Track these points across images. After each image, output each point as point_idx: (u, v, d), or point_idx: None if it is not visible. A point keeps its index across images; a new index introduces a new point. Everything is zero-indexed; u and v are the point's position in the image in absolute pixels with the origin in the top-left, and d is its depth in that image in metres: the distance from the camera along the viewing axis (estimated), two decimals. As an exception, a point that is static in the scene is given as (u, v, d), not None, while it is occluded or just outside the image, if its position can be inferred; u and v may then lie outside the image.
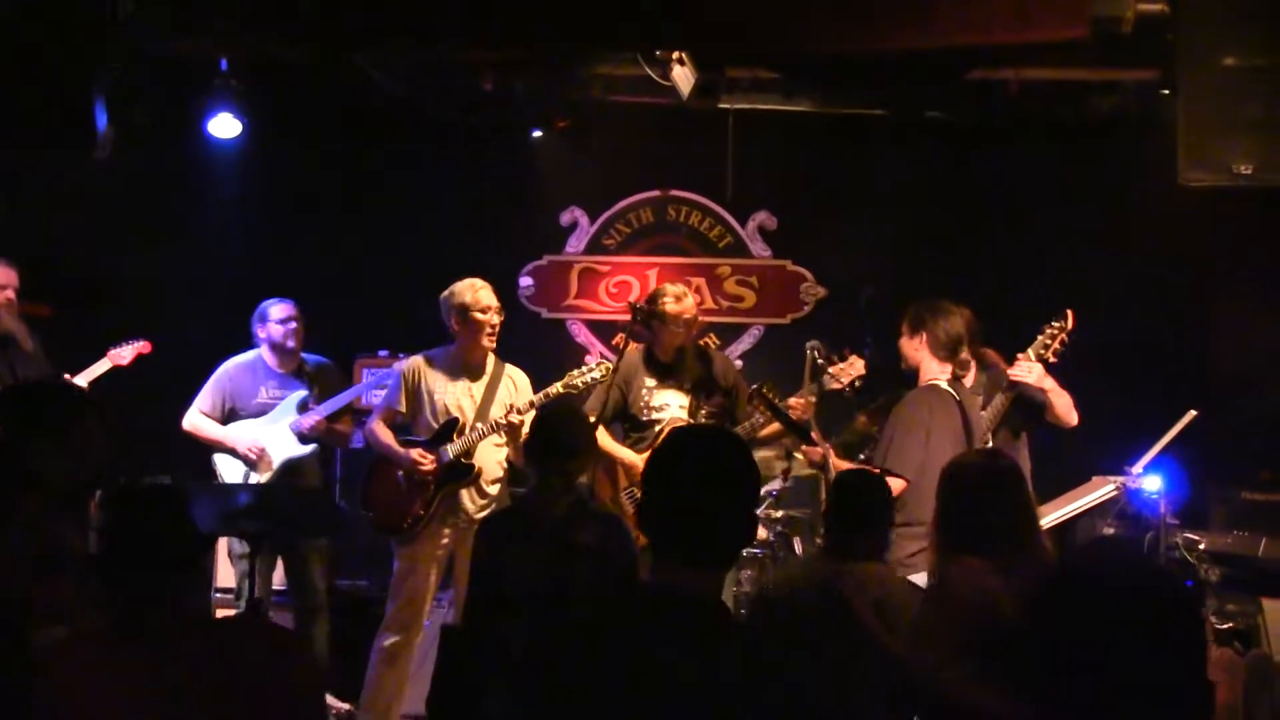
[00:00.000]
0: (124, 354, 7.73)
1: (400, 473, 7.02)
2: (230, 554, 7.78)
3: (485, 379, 7.12)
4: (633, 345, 7.40)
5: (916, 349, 6.52)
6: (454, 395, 7.06)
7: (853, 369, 7.13)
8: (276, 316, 7.80)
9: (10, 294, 7.36)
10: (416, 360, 7.18)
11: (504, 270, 9.72)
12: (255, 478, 7.62)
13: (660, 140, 9.56)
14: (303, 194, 9.73)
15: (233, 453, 7.67)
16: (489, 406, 7.06)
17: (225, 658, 3.29)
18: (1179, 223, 8.13)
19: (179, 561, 3.39)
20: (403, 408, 7.13)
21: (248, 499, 6.61)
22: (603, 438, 7.18)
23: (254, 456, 7.61)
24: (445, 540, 7.01)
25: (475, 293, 7.02)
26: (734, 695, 2.72)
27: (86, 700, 3.14)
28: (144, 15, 7.08)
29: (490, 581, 5.40)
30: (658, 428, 7.24)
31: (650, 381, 7.34)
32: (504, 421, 6.90)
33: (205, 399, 7.78)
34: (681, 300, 7.33)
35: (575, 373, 7.06)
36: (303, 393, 7.73)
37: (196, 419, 7.76)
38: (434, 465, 6.94)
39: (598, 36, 7.17)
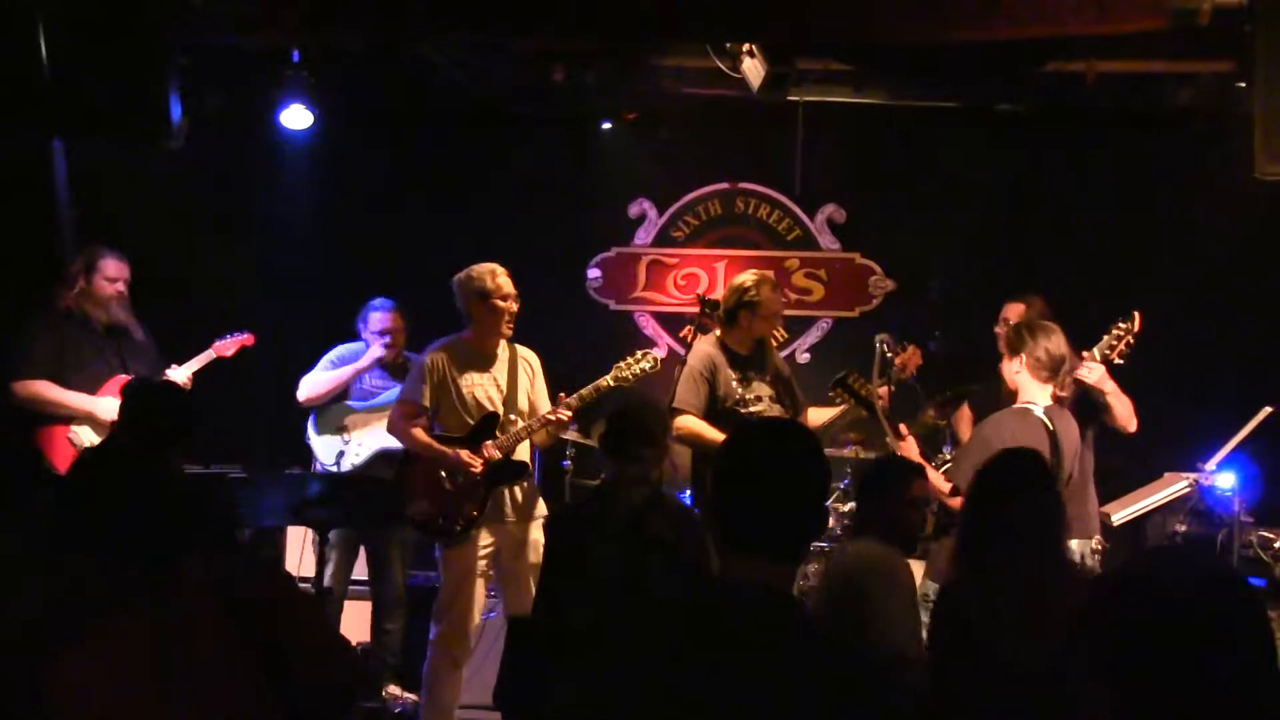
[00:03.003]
0: (228, 346, 7.81)
1: (443, 473, 6.88)
2: (314, 544, 7.83)
3: (504, 364, 6.99)
4: (702, 337, 7.21)
5: (1015, 372, 6.32)
6: (481, 386, 6.93)
7: (912, 360, 7.11)
8: (375, 327, 7.97)
9: (122, 286, 7.44)
10: (438, 352, 6.98)
11: (572, 262, 9.75)
12: (348, 460, 7.71)
13: (729, 132, 9.55)
14: (371, 185, 9.75)
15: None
16: (515, 394, 6.96)
17: (222, 615, 3.32)
18: (1254, 215, 8.05)
19: (169, 530, 3.39)
20: (427, 401, 6.91)
21: (317, 489, 6.63)
22: (709, 430, 6.92)
23: (346, 438, 7.75)
24: (491, 538, 6.89)
25: (495, 280, 6.87)
26: (805, 689, 2.70)
27: (91, 676, 3.17)
28: (215, 6, 7.14)
29: (563, 572, 5.42)
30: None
31: (735, 374, 7.10)
32: (553, 417, 6.82)
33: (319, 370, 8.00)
34: (775, 289, 7.21)
35: (622, 365, 6.92)
36: None
37: (314, 378, 7.96)
38: (484, 466, 6.81)
39: (666, 27, 7.15)
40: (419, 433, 6.92)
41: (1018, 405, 6.30)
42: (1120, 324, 6.67)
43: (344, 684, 3.71)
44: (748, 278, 7.21)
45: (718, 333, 7.22)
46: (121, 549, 3.32)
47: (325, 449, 7.83)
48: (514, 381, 6.98)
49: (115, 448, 4.18)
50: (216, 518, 3.78)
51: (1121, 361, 6.65)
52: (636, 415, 5.62)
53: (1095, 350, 6.64)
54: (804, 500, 2.92)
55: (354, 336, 8.11)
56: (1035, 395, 6.27)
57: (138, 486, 3.42)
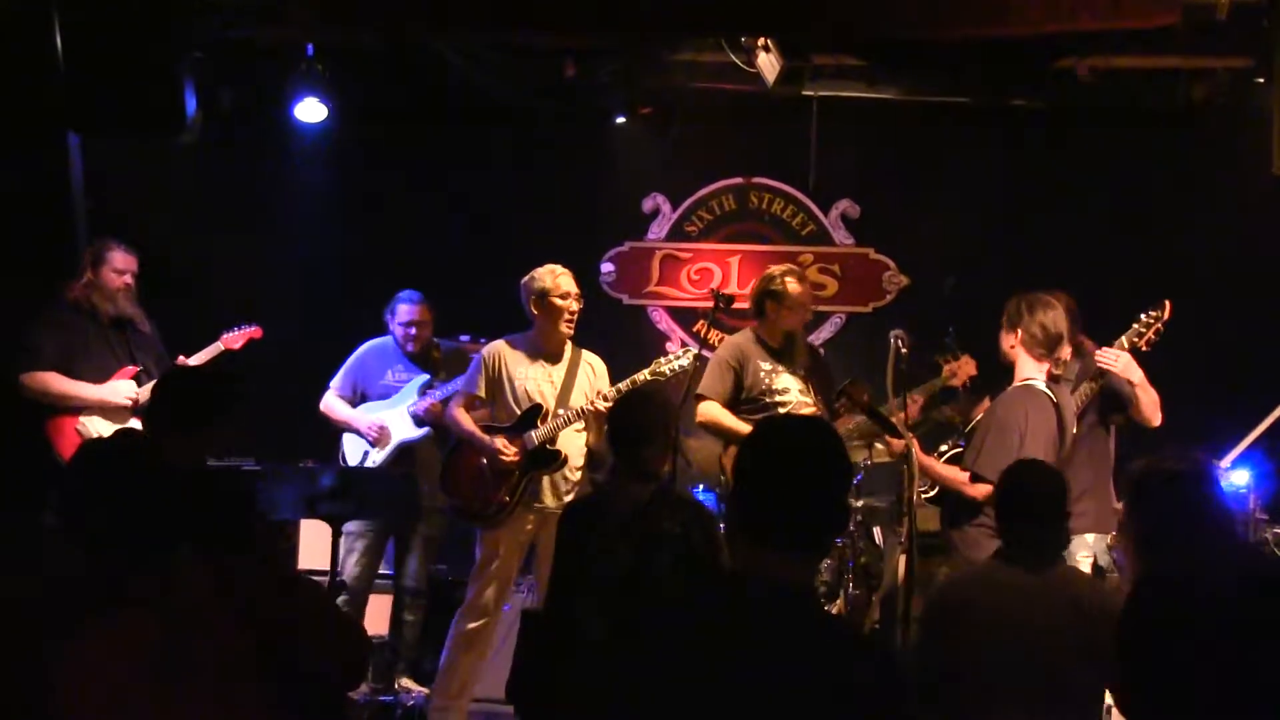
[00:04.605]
0: (236, 338, 7.83)
1: (484, 459, 7.01)
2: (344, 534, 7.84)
3: (564, 365, 7.10)
4: (740, 331, 7.30)
5: (1012, 346, 6.27)
6: (535, 381, 7.05)
7: (964, 369, 7.10)
8: (401, 319, 7.95)
9: (129, 279, 7.47)
10: (497, 346, 7.15)
11: (586, 256, 9.71)
12: (374, 457, 7.72)
13: (743, 127, 9.53)
14: (384, 179, 9.75)
15: (357, 432, 7.81)
16: (569, 392, 7.05)
17: (215, 611, 3.33)
18: (1271, 212, 8.02)
19: (155, 526, 3.39)
20: (482, 393, 7.10)
21: (329, 482, 6.63)
22: (729, 418, 7.15)
23: (374, 435, 7.73)
24: (528, 526, 7.00)
25: (555, 279, 7.01)
26: (824, 684, 2.69)
27: (93, 668, 3.18)
28: (229, 0, 7.16)
29: (572, 566, 5.42)
30: (784, 410, 7.15)
31: (766, 365, 7.27)
32: (589, 409, 6.90)
33: (340, 382, 7.97)
34: (802, 281, 7.34)
35: (661, 360, 7.01)
36: (425, 376, 7.81)
37: (331, 401, 7.93)
38: (518, 453, 6.93)
39: (682, 22, 7.15)
40: (461, 415, 7.10)
41: (1020, 383, 6.24)
42: (1150, 313, 6.63)
43: (348, 665, 3.75)
44: (776, 269, 7.41)
45: (754, 325, 7.40)
46: (116, 540, 3.33)
47: (355, 448, 7.86)
48: (571, 381, 7.09)
49: (113, 439, 4.18)
50: (225, 508, 3.77)
51: (1147, 349, 6.61)
52: (632, 412, 5.61)
53: (1124, 339, 6.59)
54: (821, 495, 2.91)
55: (364, 329, 8.11)
56: (1032, 371, 6.22)
57: (130, 478, 3.42)
